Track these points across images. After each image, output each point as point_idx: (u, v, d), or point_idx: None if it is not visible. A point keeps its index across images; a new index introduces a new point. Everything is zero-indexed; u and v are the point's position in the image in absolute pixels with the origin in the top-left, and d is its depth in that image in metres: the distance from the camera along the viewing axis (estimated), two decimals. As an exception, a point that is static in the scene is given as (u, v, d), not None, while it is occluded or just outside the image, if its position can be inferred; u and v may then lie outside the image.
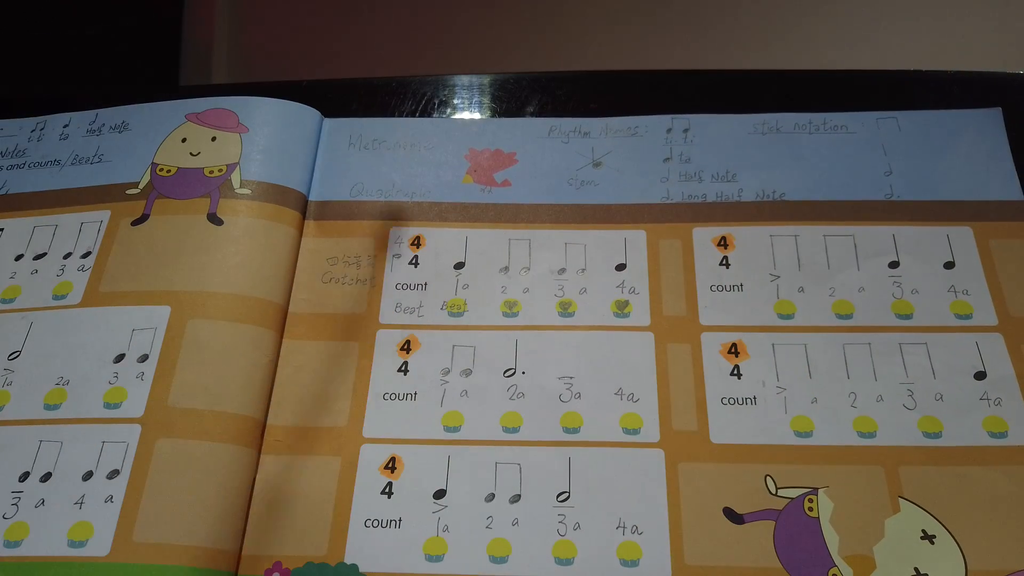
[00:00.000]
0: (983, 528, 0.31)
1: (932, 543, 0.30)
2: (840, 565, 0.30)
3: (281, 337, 0.36)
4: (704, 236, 0.38)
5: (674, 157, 0.40)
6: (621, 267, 0.37)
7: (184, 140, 0.40)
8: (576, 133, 0.41)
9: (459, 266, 0.38)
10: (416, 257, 0.38)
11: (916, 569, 0.30)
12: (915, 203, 0.38)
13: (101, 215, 0.39)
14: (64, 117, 0.43)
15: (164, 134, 0.41)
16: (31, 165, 0.41)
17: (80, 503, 0.32)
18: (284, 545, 0.32)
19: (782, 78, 0.42)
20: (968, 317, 0.35)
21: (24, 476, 0.32)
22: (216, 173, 0.39)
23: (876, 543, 0.31)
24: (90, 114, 0.42)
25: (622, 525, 0.31)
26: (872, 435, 0.33)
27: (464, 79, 0.44)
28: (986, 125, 0.40)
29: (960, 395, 0.33)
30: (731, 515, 0.31)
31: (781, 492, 0.32)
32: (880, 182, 0.38)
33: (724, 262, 0.37)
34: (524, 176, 0.40)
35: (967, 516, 0.31)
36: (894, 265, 0.36)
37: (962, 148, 0.39)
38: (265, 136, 0.40)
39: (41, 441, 0.33)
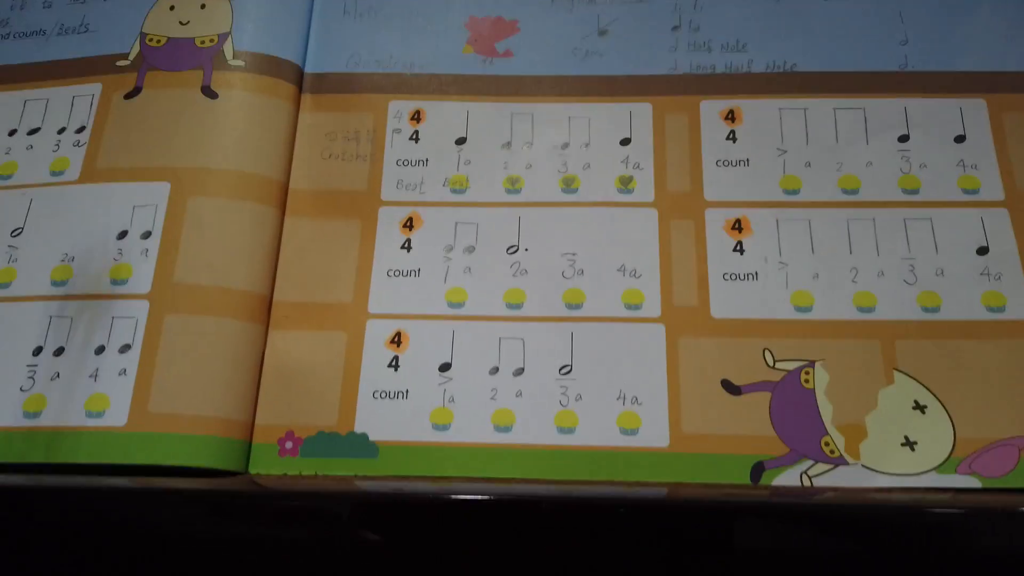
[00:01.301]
0: (973, 399, 0.31)
1: (923, 413, 0.31)
2: (832, 433, 0.31)
3: (283, 214, 0.36)
4: (711, 109, 0.37)
5: (683, 26, 0.38)
6: (626, 142, 0.37)
7: (172, 8, 0.39)
8: (581, 0, 0.39)
9: (460, 142, 0.37)
10: (416, 132, 0.37)
11: (906, 437, 0.31)
12: (929, 74, 0.37)
13: (92, 88, 0.38)
14: (46, -16, 0.41)
15: (151, 1, 0.39)
16: (15, 36, 0.39)
17: (95, 376, 0.32)
18: (296, 416, 0.33)
19: (799, -61, 0.40)
20: (975, 192, 0.35)
21: (38, 350, 0.33)
22: (208, 43, 0.37)
23: (868, 413, 0.32)
24: (72, -20, 0.40)
25: (622, 396, 0.32)
26: (871, 310, 0.33)
27: (463, -59, 0.42)
28: (1009, -9, 0.38)
29: (961, 270, 0.33)
30: (729, 387, 0.32)
31: (779, 365, 0.32)
32: (895, 52, 0.37)
33: (731, 136, 0.36)
34: (526, 46, 0.39)
35: (959, 387, 0.32)
36: (904, 139, 0.36)
37: (981, 16, 0.38)
38: (256, 3, 0.38)
39: (51, 316, 0.33)
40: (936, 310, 0.33)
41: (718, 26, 0.38)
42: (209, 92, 0.36)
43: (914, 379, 0.32)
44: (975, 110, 0.36)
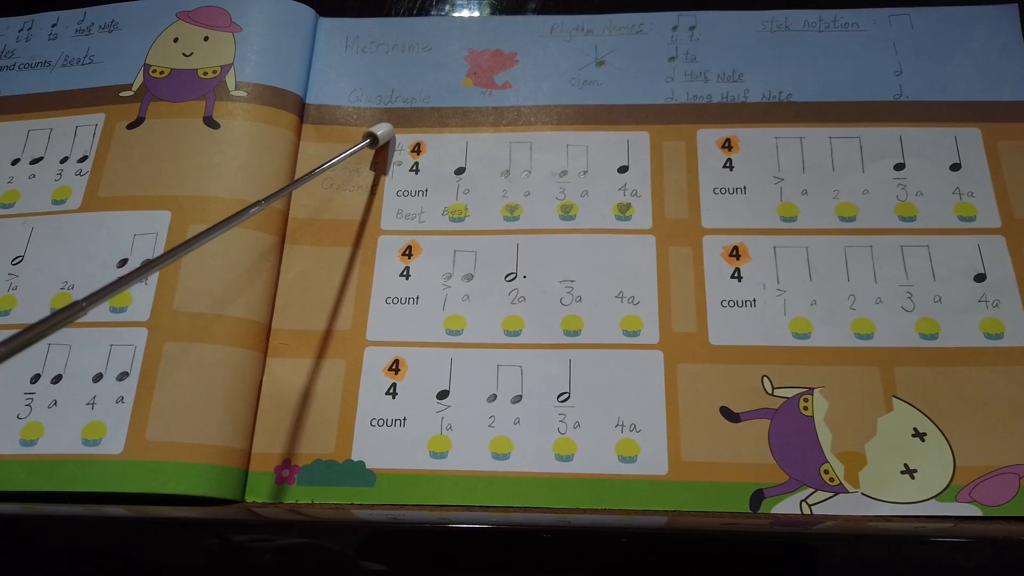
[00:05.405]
0: (973, 426, 0.31)
1: (923, 440, 0.31)
2: (832, 461, 0.31)
3: (283, 242, 0.36)
4: (708, 138, 0.37)
5: (679, 56, 0.39)
6: (623, 169, 0.37)
7: (176, 40, 0.39)
8: (579, 31, 0.40)
9: (460, 171, 0.37)
10: (417, 164, 0.38)
11: (906, 465, 0.31)
12: (924, 103, 0.37)
13: (95, 118, 0.38)
14: (51, 16, 0.41)
15: (155, 33, 0.40)
16: (21, 67, 0.40)
17: (92, 404, 0.32)
18: (293, 443, 0.33)
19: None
20: (971, 219, 0.35)
21: (35, 378, 0.33)
22: (210, 74, 0.38)
23: (868, 440, 0.31)
24: (78, 12, 0.41)
25: (621, 423, 0.32)
26: (869, 336, 0.33)
27: (463, -26, 0.42)
28: (1001, 22, 0.38)
29: (959, 297, 0.33)
30: (728, 414, 0.32)
31: (777, 392, 0.32)
32: (889, 82, 0.38)
33: (728, 164, 0.37)
34: (525, 77, 0.39)
35: (959, 415, 0.31)
36: (900, 167, 0.36)
37: (975, 46, 0.38)
38: (259, 36, 0.39)
39: (49, 344, 0.33)
40: (935, 337, 0.33)
41: (714, 57, 0.39)
42: (211, 122, 0.37)
43: (913, 406, 0.32)
44: (970, 138, 0.36)
